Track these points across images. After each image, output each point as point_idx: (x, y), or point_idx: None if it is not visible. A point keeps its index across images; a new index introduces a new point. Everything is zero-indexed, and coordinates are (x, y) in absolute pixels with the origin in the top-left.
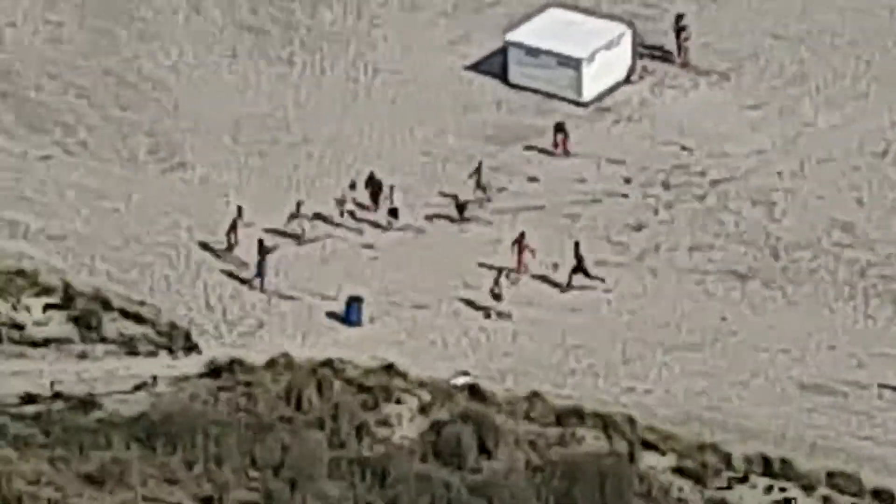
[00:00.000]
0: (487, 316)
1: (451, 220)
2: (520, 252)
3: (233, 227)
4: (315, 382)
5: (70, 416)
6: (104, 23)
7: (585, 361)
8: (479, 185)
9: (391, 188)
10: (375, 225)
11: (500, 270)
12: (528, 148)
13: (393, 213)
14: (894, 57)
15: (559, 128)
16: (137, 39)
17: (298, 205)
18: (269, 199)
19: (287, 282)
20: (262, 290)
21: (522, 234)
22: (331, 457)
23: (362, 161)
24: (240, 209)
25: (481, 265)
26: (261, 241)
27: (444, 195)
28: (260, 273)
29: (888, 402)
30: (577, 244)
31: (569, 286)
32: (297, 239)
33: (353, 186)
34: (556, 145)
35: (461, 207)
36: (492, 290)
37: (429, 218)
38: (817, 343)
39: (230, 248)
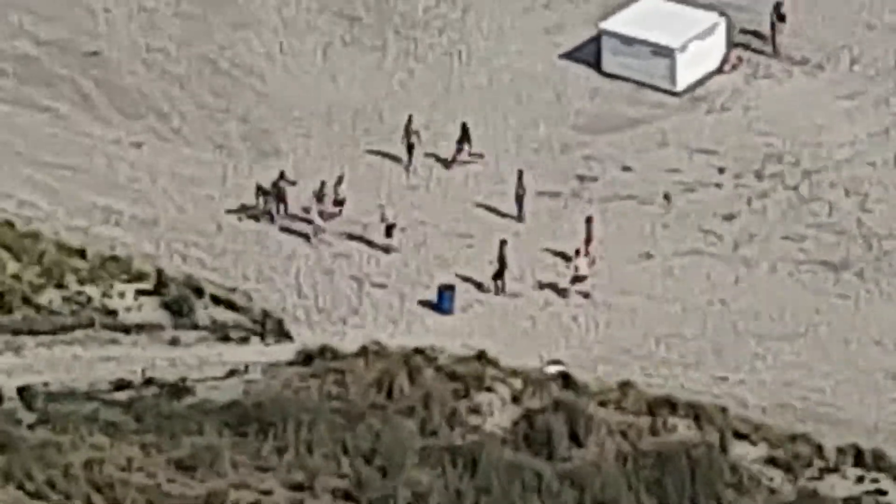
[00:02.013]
0: (565, 295)
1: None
2: (588, 236)
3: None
4: (407, 370)
5: (162, 403)
6: (198, 10)
7: (677, 351)
8: (519, 202)
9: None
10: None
11: (577, 252)
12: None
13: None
14: None
15: (464, 131)
16: (231, 27)
17: (340, 179)
18: (361, 186)
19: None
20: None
21: (590, 219)
22: (422, 445)
23: (454, 149)
24: (282, 173)
25: (546, 250)
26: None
27: (384, 218)
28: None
29: None
30: (503, 242)
31: (502, 290)
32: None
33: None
34: (459, 151)
35: (389, 228)
36: (573, 271)
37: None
38: None
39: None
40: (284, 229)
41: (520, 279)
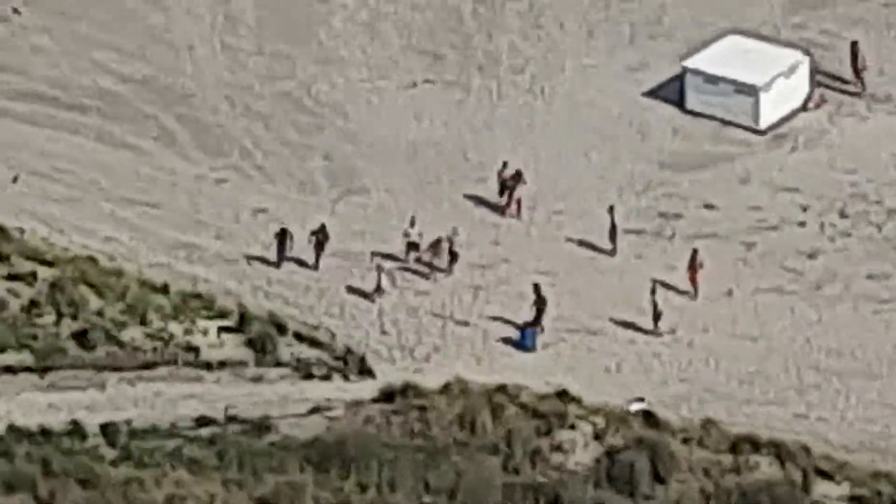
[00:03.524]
0: (654, 334)
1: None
2: (693, 271)
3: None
4: (489, 407)
5: (244, 440)
6: (282, 47)
7: (760, 388)
8: (612, 237)
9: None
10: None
11: (654, 286)
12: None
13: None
14: None
15: (518, 178)
16: (315, 63)
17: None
18: (442, 225)
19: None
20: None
21: (695, 252)
22: (504, 482)
23: (538, 186)
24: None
25: (656, 281)
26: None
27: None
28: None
29: None
30: (536, 286)
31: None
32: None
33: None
34: (508, 204)
35: (453, 255)
36: (653, 307)
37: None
38: None
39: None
40: (351, 289)
41: (602, 317)
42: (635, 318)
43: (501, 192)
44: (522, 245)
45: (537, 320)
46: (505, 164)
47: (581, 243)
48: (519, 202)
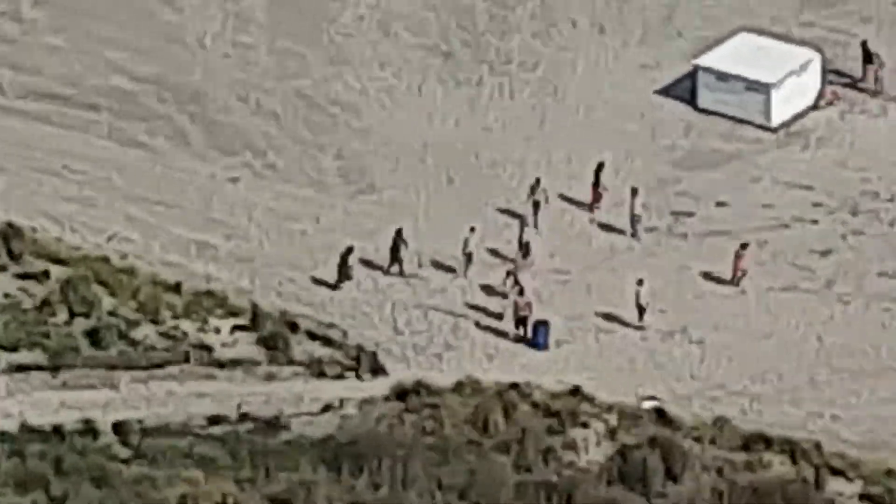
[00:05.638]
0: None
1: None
2: (736, 261)
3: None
4: (501, 406)
5: (257, 438)
6: (294, 45)
7: (772, 386)
8: (633, 222)
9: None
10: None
11: (640, 283)
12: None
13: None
14: None
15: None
16: (327, 62)
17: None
18: (455, 224)
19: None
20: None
21: (744, 245)
22: (517, 481)
23: (550, 184)
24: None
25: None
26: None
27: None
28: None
29: None
30: (521, 290)
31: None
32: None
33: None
34: (596, 199)
35: (525, 245)
36: (637, 304)
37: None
38: None
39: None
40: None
41: (614, 315)
42: (648, 317)
43: (536, 208)
44: (535, 243)
45: (520, 324)
46: (538, 181)
47: (602, 227)
48: (599, 196)
